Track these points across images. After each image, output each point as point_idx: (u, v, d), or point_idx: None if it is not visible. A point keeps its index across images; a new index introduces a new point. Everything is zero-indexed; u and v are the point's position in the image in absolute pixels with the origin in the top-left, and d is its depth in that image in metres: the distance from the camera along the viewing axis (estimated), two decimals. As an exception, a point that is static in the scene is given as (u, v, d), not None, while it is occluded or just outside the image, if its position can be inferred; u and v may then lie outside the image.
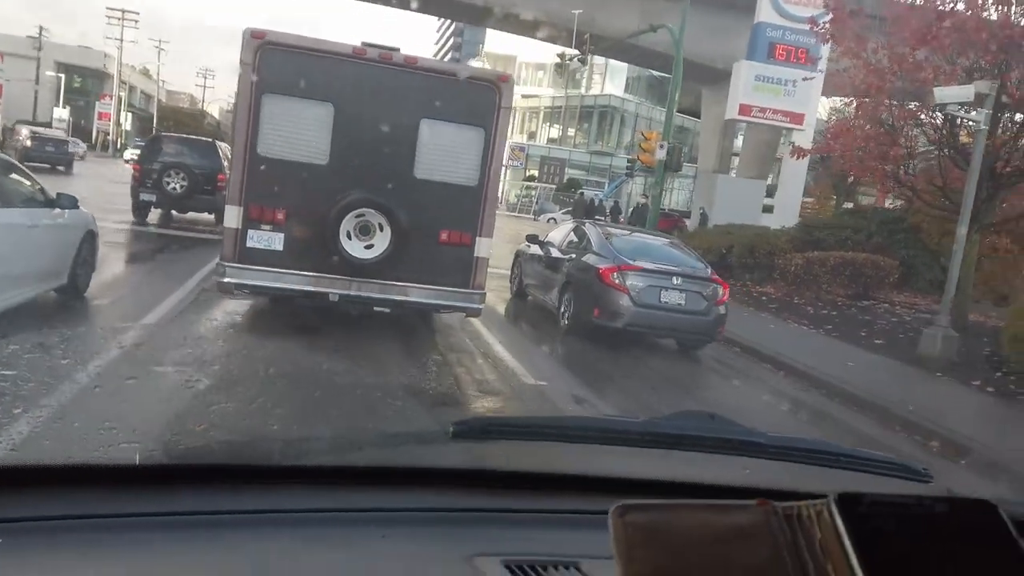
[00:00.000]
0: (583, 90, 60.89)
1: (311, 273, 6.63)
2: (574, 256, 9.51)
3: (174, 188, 14.12)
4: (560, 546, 1.14)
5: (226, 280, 6.55)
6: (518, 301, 11.12)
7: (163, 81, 78.07)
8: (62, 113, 50.65)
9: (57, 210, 6.72)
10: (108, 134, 53.28)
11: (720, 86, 28.78)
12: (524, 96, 61.97)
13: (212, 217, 14.70)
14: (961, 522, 0.68)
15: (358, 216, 6.64)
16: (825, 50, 18.58)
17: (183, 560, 0.98)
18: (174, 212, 15.09)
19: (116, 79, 54.51)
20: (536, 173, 56.61)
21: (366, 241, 6.69)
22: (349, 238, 6.63)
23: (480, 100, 6.63)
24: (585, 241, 9.68)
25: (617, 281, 8.42)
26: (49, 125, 44.17)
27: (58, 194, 6.83)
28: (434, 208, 6.74)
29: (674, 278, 8.62)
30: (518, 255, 11.49)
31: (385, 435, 1.86)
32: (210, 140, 17.18)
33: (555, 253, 10.09)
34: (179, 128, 66.88)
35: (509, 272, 11.65)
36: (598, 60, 62.44)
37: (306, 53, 6.51)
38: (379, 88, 6.53)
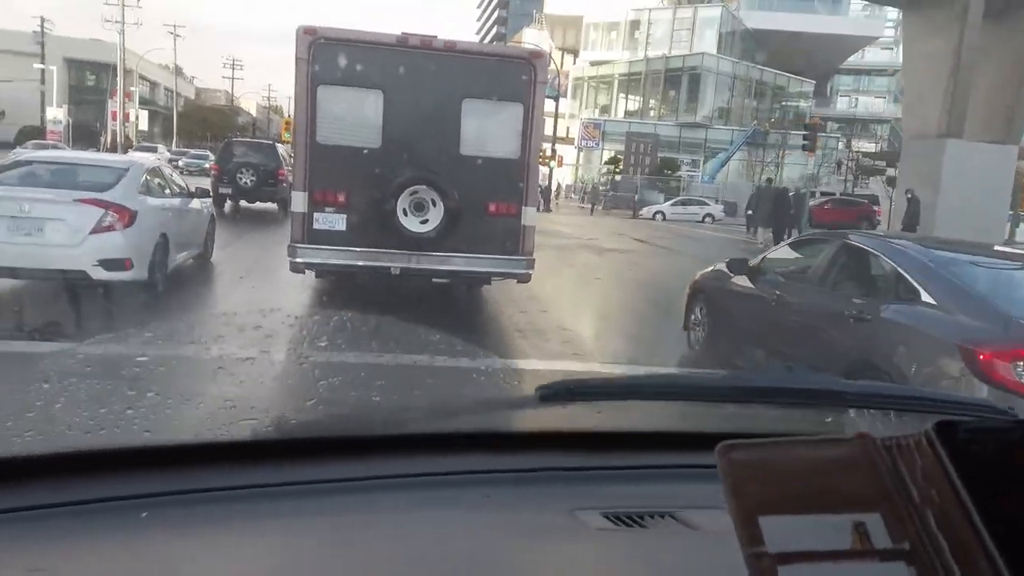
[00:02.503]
0: (667, 50, 60.58)
1: (373, 249, 8.63)
2: (869, 310, 5.74)
3: (245, 183, 20.52)
4: (656, 499, 1.35)
5: (298, 260, 8.65)
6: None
7: (193, 77, 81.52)
8: (57, 113, 52.32)
9: (196, 200, 11.42)
10: (119, 135, 55.68)
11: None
12: (593, 63, 62.29)
13: (275, 206, 21.14)
14: None
15: (412, 194, 8.61)
16: None
17: (298, 527, 1.22)
18: (243, 202, 21.48)
19: (120, 69, 56.46)
20: (613, 154, 55.02)
21: (421, 216, 8.65)
22: (405, 214, 8.60)
23: (516, 77, 8.54)
24: (895, 281, 5.87)
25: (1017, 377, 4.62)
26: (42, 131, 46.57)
27: (196, 188, 11.75)
28: (481, 182, 8.66)
29: None
30: (699, 292, 8.53)
31: (478, 401, 2.21)
32: (271, 143, 24.34)
33: (812, 299, 6.59)
34: (206, 126, 70.91)
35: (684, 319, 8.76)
36: (683, 13, 62.69)
37: (354, 45, 8.56)
38: (423, 73, 8.50)
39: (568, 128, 56.50)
